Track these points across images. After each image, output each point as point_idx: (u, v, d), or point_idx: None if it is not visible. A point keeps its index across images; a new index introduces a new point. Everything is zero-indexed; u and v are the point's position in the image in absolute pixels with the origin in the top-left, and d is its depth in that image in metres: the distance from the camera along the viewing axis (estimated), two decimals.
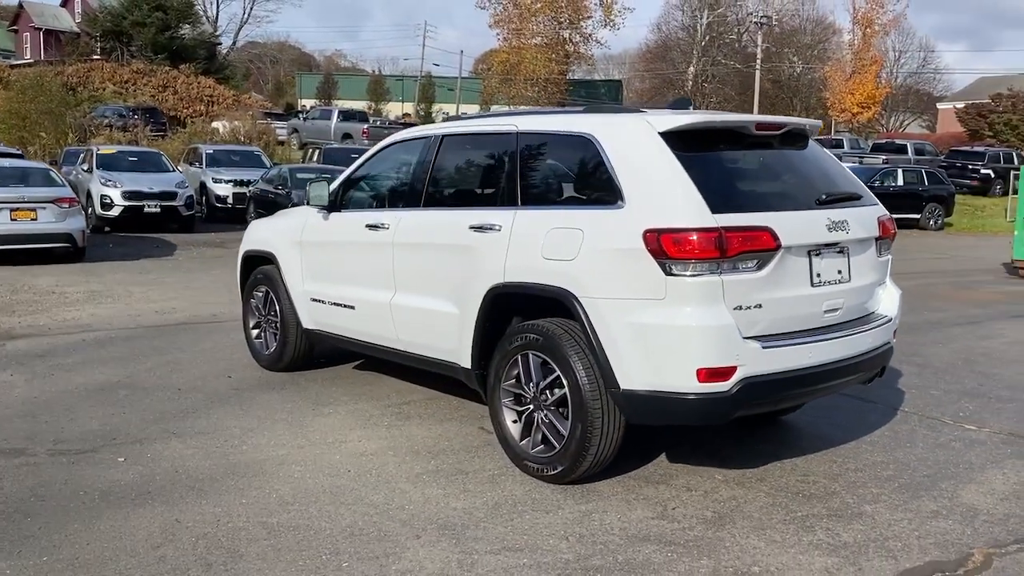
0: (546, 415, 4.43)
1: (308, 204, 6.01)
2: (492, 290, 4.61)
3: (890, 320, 4.73)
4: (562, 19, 59.42)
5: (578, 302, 4.17)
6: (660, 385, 3.99)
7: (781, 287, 4.10)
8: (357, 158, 6.20)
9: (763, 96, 64.67)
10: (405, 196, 5.49)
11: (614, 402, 4.14)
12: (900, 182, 23.08)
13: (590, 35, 59.65)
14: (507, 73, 58.56)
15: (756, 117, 4.68)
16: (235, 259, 7.17)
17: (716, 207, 3.93)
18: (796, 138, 4.70)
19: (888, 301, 4.80)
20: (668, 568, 3.57)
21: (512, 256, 4.51)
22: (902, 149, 32.33)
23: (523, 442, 4.57)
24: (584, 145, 4.40)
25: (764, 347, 3.99)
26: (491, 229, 4.67)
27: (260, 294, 6.74)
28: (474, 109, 70.20)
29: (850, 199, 4.57)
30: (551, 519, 4.04)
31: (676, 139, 4.16)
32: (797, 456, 4.92)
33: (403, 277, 5.29)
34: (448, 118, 5.86)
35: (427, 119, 65.35)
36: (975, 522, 4.06)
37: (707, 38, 67.06)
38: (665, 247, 3.90)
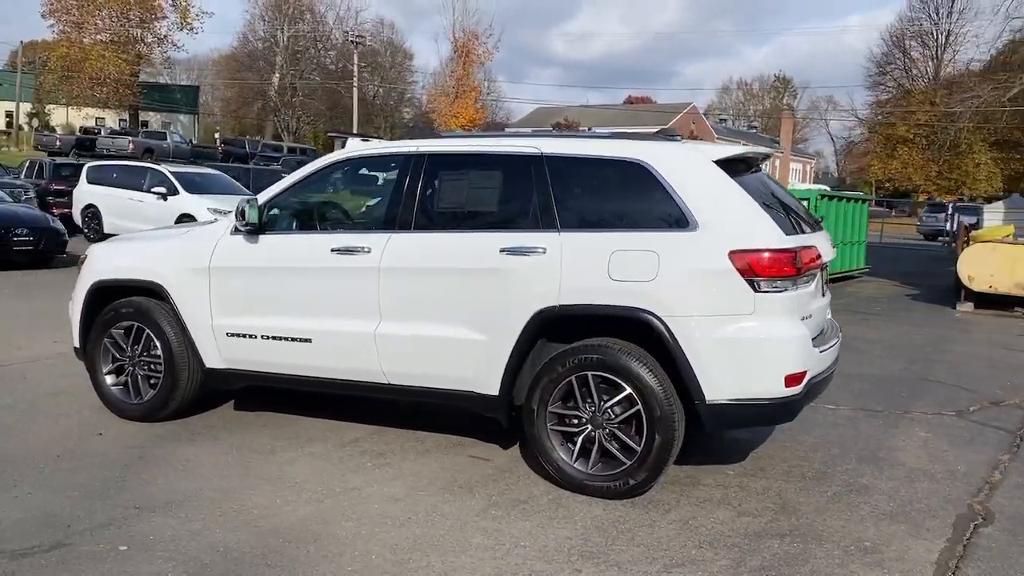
0: (610, 432, 4.52)
1: (237, 224, 5.22)
2: (541, 313, 4.56)
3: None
4: (132, 17, 55.17)
5: (660, 320, 4.35)
6: (749, 393, 4.35)
7: (815, 299, 4.72)
8: None
9: (341, 110, 66.52)
10: (385, 218, 5.08)
11: (699, 413, 4.40)
12: None
13: (165, 36, 56.27)
14: (68, 70, 52.76)
15: (762, 148, 5.22)
16: None
17: (783, 229, 4.41)
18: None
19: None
20: (810, 554, 3.95)
21: (568, 278, 4.51)
22: None
23: (577, 463, 4.59)
24: (636, 171, 4.57)
25: (820, 351, 4.57)
26: (532, 252, 4.61)
27: (121, 332, 5.66)
28: (25, 108, 61.69)
29: (819, 223, 5.35)
30: (663, 532, 4.17)
31: (724, 167, 4.56)
32: (756, 447, 5.58)
33: (395, 304, 4.91)
34: (420, 135, 5.47)
35: None
36: (953, 482, 5.05)
37: (292, 52, 66.77)
38: (754, 266, 4.28)
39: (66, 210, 18.82)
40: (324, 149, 53.62)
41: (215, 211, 16.97)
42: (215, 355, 5.43)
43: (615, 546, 4.00)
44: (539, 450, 4.67)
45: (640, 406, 4.42)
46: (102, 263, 5.79)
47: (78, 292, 5.82)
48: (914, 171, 53.96)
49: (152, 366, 5.61)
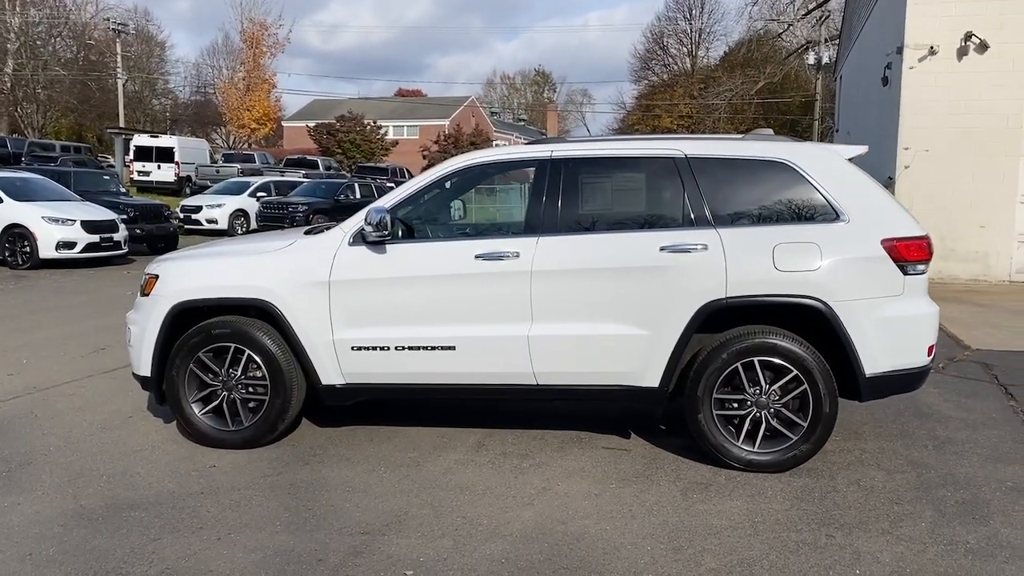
0: (774, 412, 4.90)
1: (371, 235, 5.01)
2: (708, 306, 4.84)
3: None
4: None
5: (827, 305, 4.79)
6: (901, 364, 4.90)
7: None
8: None
9: (93, 104, 61.28)
10: (527, 222, 5.09)
11: (859, 386, 4.89)
12: (358, 195, 25.22)
13: None
14: None
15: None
16: None
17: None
18: None
19: None
20: (986, 498, 4.56)
21: (734, 272, 4.82)
22: (314, 164, 34.70)
23: (743, 443, 4.94)
24: (783, 170, 4.97)
25: None
26: (693, 249, 4.87)
27: (210, 355, 5.25)
28: None
29: None
30: (851, 495, 4.61)
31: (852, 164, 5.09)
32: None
33: (549, 306, 4.97)
34: (541, 140, 5.46)
35: None
36: (1006, 426, 5.93)
37: (32, 39, 60.23)
38: (903, 252, 4.84)
39: None
40: (106, 144, 49.05)
41: (52, 220, 15.39)
42: (334, 371, 5.18)
43: (835, 511, 4.40)
44: (703, 434, 4.95)
45: (806, 385, 4.84)
46: (183, 282, 5.29)
47: (151, 315, 5.28)
48: None
49: (252, 389, 5.26)
